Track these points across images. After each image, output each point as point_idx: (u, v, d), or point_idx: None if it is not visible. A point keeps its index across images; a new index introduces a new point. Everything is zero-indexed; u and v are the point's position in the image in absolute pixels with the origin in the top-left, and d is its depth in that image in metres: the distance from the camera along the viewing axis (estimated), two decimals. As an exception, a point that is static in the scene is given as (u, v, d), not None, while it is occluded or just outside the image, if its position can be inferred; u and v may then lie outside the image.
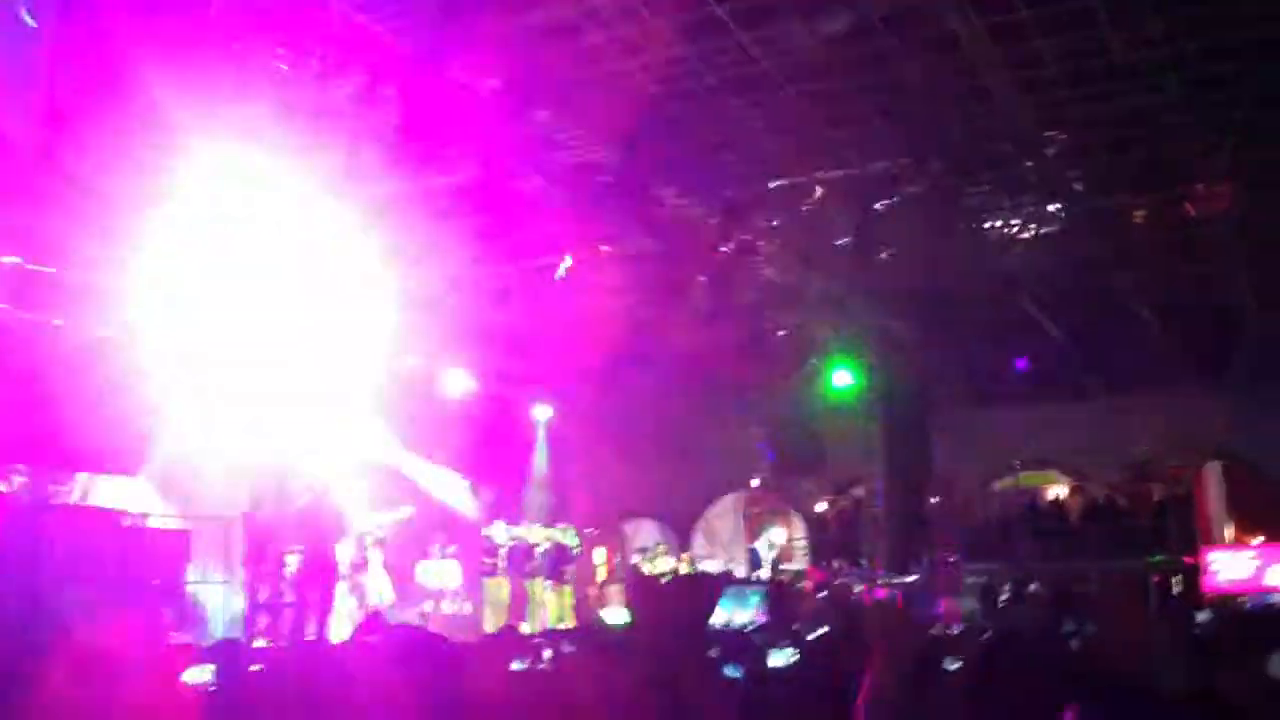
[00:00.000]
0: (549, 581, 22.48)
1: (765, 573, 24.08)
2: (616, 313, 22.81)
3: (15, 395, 10.42)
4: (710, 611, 2.25)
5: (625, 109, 14.84)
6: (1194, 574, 23.64)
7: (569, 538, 23.15)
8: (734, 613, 18.46)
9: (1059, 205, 18.81)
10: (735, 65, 14.46)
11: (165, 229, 11.81)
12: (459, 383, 22.88)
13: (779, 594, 19.75)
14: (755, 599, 19.32)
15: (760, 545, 25.21)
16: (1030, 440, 24.93)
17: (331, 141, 13.58)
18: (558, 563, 22.64)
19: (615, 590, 25.21)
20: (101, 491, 17.66)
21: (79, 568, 14.61)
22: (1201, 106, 15.39)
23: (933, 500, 24.62)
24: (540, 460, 27.11)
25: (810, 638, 16.00)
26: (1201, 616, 16.21)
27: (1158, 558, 23.60)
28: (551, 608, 22.41)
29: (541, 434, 26.70)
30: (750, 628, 18.25)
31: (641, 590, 2.29)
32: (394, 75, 12.68)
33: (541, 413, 25.91)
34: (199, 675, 5.84)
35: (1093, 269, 19.65)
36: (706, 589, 2.28)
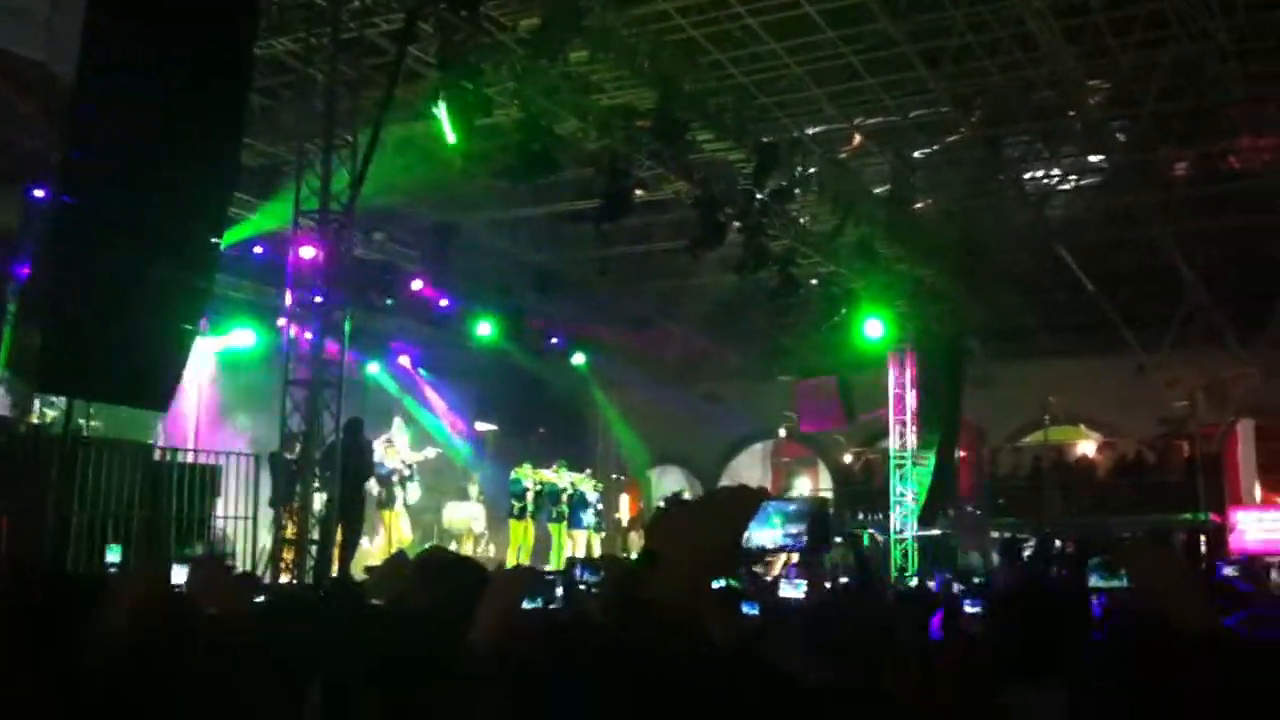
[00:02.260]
0: (574, 526, 22.51)
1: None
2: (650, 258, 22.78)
3: (51, 326, 10.40)
4: (747, 523, 2.14)
5: (662, 50, 14.67)
6: (1221, 533, 23.54)
7: (595, 483, 23.16)
8: (754, 533, 18.30)
9: (1101, 157, 18.57)
10: (775, 9, 14.26)
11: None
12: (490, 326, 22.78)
13: (817, 513, 19.44)
14: (778, 519, 19.11)
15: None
16: (1061, 395, 24.76)
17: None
18: (582, 507, 22.66)
19: (639, 535, 25.25)
20: (132, 424, 17.84)
21: (110, 501, 14.74)
22: (1249, 57, 15.12)
23: (961, 453, 24.52)
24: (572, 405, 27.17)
25: (827, 585, 15.98)
26: (1228, 570, 16.17)
27: (1186, 515, 23.48)
28: (577, 553, 22.45)
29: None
30: (771, 547, 18.07)
31: (669, 513, 2.17)
32: (432, 12, 12.54)
33: (576, 358, 25.80)
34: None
35: (1132, 222, 19.41)
36: (746, 500, 2.15)
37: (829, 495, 26.72)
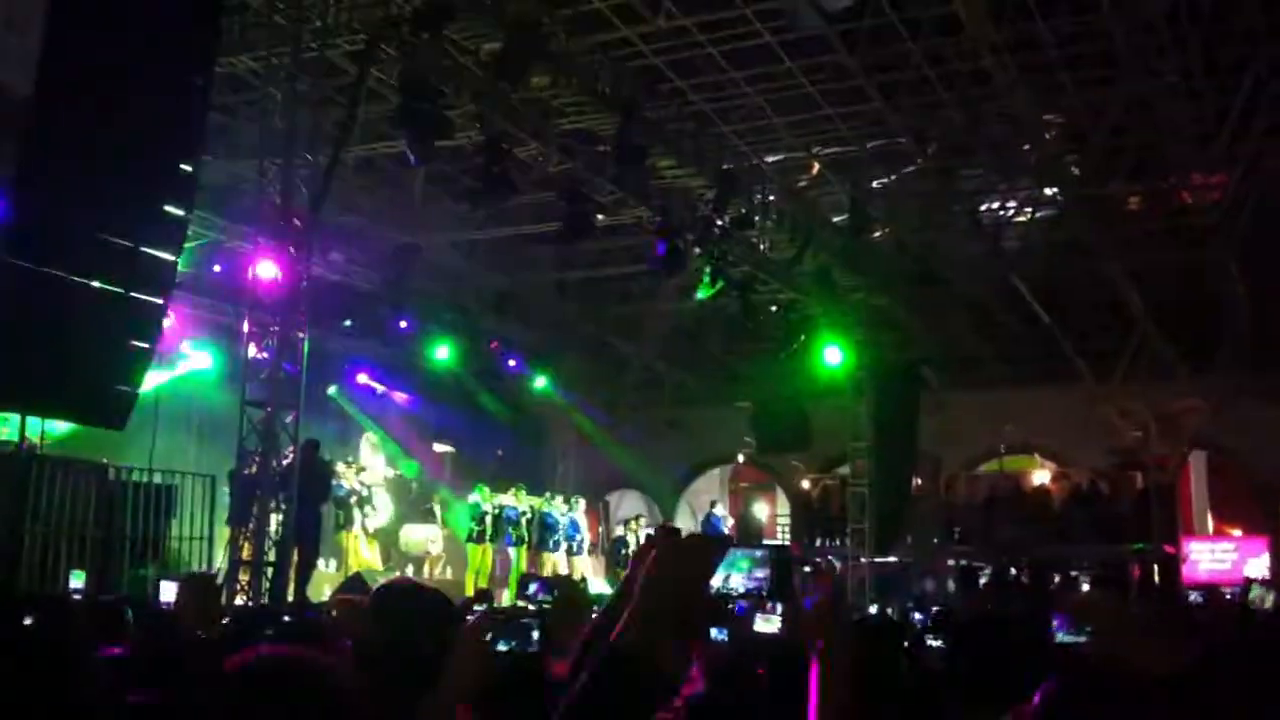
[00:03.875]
0: (542, 549, 22.48)
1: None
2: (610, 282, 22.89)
3: (3, 344, 10.36)
4: (716, 569, 2.15)
5: (623, 77, 14.82)
6: (1174, 563, 23.76)
7: (553, 506, 23.14)
8: (729, 574, 18.47)
9: (1054, 190, 18.83)
10: (736, 38, 14.44)
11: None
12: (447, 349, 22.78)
13: (780, 560, 19.68)
14: (745, 562, 19.30)
15: (718, 512, 25.30)
16: (1016, 424, 24.97)
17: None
18: (542, 531, 22.64)
19: (597, 561, 25.24)
20: (87, 443, 17.72)
21: (64, 519, 14.66)
22: (1199, 95, 15.42)
23: (917, 481, 24.69)
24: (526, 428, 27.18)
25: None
26: (1193, 596, 16.34)
27: (1139, 545, 23.70)
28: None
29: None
30: (737, 592, 18.34)
31: (651, 555, 2.18)
32: (394, 34, 12.64)
33: (538, 381, 25.81)
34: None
35: (1085, 255, 19.67)
36: (715, 547, 2.17)
37: (785, 542, 26.69)
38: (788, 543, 25.71)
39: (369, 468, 22.06)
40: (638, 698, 1.96)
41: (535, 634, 6.55)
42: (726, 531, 24.36)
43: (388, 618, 3.22)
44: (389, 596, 3.45)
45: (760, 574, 19.04)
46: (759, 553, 20.21)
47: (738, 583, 18.74)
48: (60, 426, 16.12)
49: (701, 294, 17.77)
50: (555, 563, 22.38)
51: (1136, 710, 2.44)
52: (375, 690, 2.83)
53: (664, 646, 1.99)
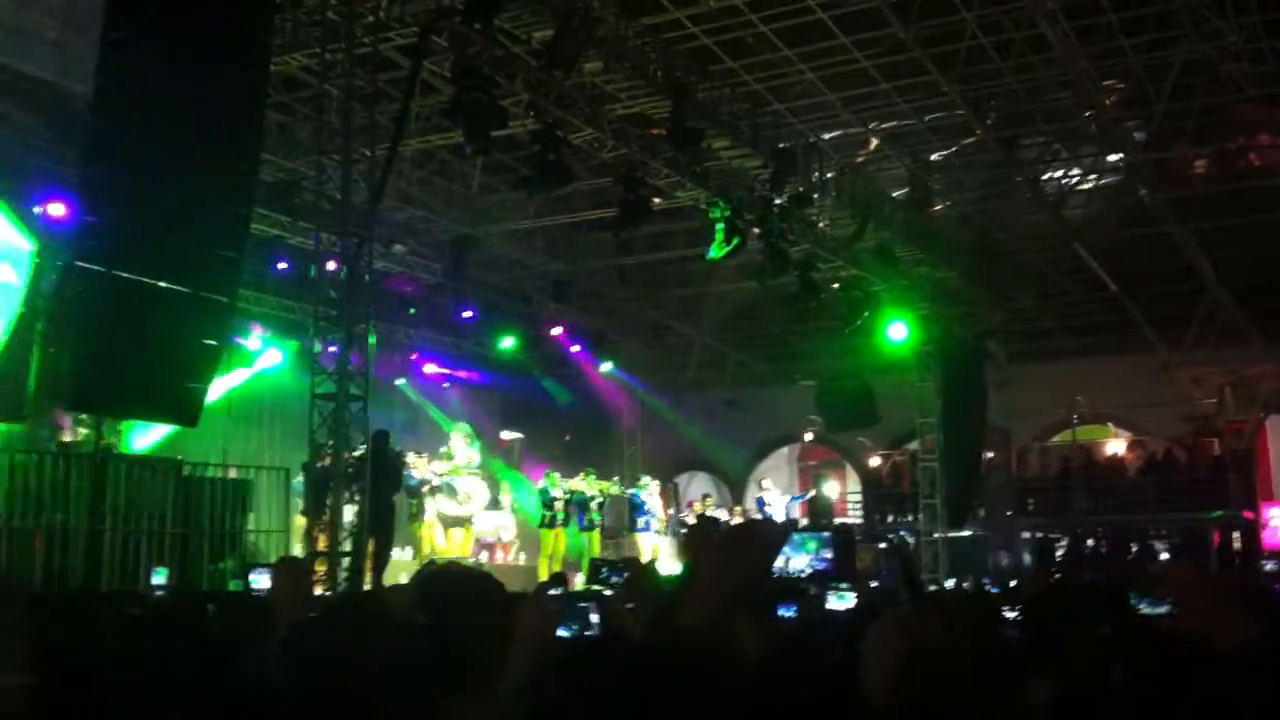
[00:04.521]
0: (623, 532, 22.64)
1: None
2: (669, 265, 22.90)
3: (79, 347, 10.60)
4: (772, 561, 2.20)
5: (676, 59, 14.79)
6: (1254, 529, 23.41)
7: (640, 487, 23.32)
8: (790, 558, 18.50)
9: (1118, 156, 18.56)
10: (787, 15, 14.37)
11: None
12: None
13: (844, 541, 19.73)
14: (812, 544, 19.34)
15: (768, 494, 25.29)
16: (1087, 395, 24.69)
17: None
18: (631, 513, 22.84)
19: (669, 543, 25.31)
20: (162, 441, 18.07)
21: (142, 516, 14.96)
22: (1262, 55, 15.11)
23: (988, 455, 24.49)
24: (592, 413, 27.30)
25: (872, 585, 16.02)
26: (1270, 565, 16.06)
27: (1217, 512, 23.36)
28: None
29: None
30: (805, 573, 18.40)
31: (698, 539, 2.24)
32: (446, 26, 12.70)
33: (603, 366, 25.90)
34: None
35: (1151, 221, 19.37)
36: (773, 536, 2.22)
37: (853, 521, 26.58)
38: (849, 523, 25.55)
39: (464, 459, 22.39)
40: (691, 674, 2.01)
41: (594, 617, 6.57)
42: (769, 512, 24.41)
43: (432, 598, 3.25)
44: (433, 580, 3.48)
45: (827, 554, 19.08)
46: (825, 534, 20.31)
47: (802, 564, 18.79)
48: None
49: (714, 253, 17.20)
50: (643, 546, 22.52)
51: (1214, 684, 2.44)
52: (413, 675, 2.85)
53: (720, 625, 2.05)
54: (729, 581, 2.10)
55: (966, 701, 2.26)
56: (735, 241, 16.77)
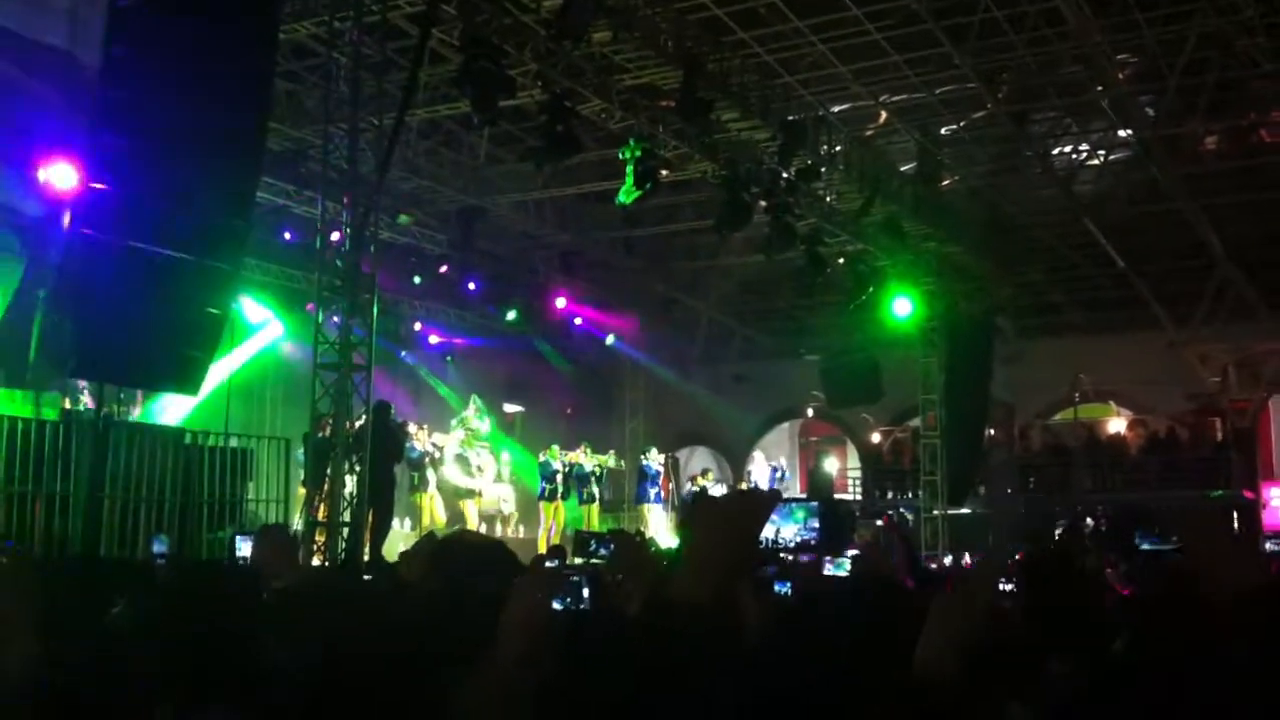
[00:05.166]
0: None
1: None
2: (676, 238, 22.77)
3: (82, 312, 10.49)
4: (762, 527, 2.24)
5: (686, 30, 14.64)
6: (1254, 509, 23.39)
7: (650, 458, 23.33)
8: (781, 527, 18.58)
9: (1129, 132, 18.42)
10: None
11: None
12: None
13: (832, 511, 19.82)
14: (802, 514, 19.40)
15: (755, 468, 25.45)
16: (1091, 372, 24.63)
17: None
18: (641, 483, 22.91)
19: (669, 516, 25.31)
20: (164, 410, 18.00)
21: (143, 484, 14.89)
22: (1276, 31, 14.96)
23: (990, 432, 24.43)
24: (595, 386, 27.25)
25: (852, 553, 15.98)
26: (1270, 545, 16.03)
27: (1218, 492, 23.33)
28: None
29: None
30: (794, 543, 18.48)
31: (701, 508, 2.27)
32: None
33: (607, 339, 25.84)
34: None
35: (1161, 197, 19.25)
36: (761, 504, 2.25)
37: (846, 497, 26.59)
38: (839, 497, 25.56)
39: (478, 429, 22.46)
40: (690, 650, 2.01)
41: (585, 591, 6.53)
42: (755, 483, 24.50)
43: (446, 565, 3.23)
44: (447, 546, 3.46)
45: (815, 524, 19.19)
46: (814, 504, 20.48)
47: (791, 533, 18.87)
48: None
49: (622, 197, 16.18)
50: (649, 517, 22.61)
51: (1223, 623, 2.40)
52: (432, 642, 2.81)
53: (716, 594, 2.06)
54: (724, 553, 2.11)
55: None
56: (648, 186, 15.69)
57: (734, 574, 2.16)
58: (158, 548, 13.98)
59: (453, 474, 21.58)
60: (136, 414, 17.55)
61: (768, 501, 2.22)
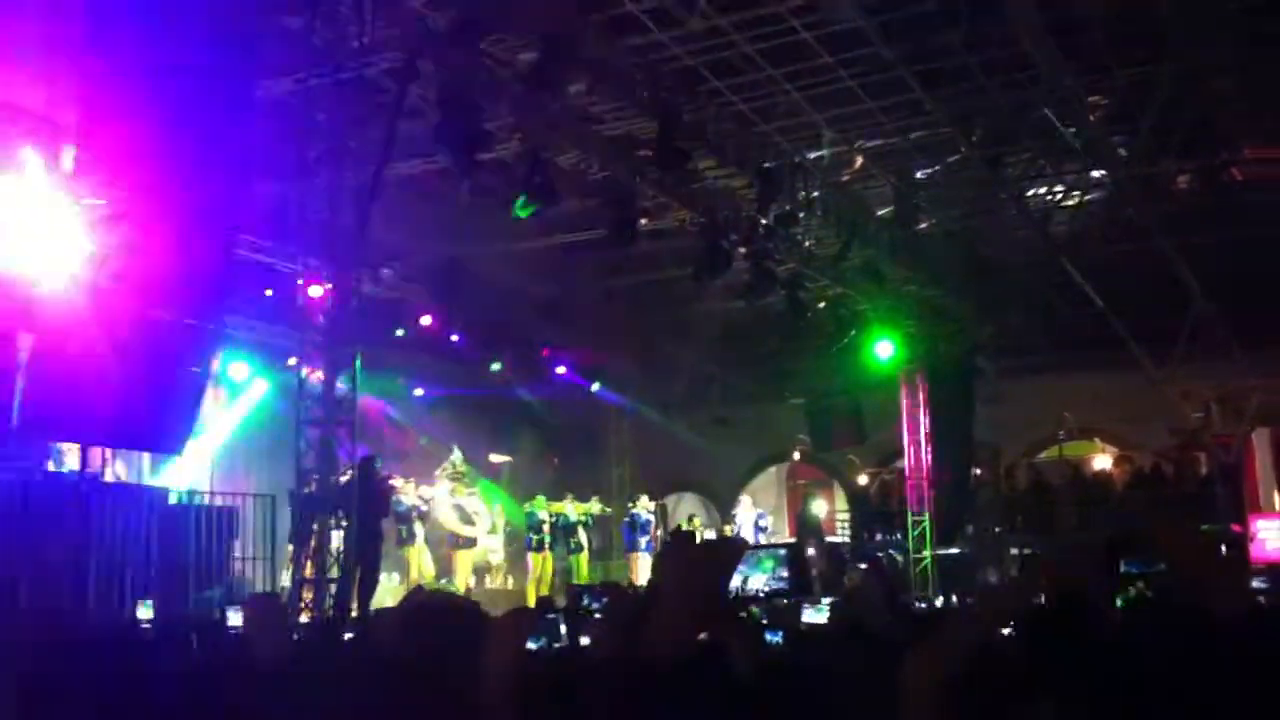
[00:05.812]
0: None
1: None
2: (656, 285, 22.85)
3: (64, 374, 10.51)
4: (731, 573, 2.29)
5: (661, 80, 14.76)
6: (1242, 542, 23.40)
7: (640, 506, 23.33)
8: (749, 576, 18.59)
9: (1102, 172, 18.58)
10: (771, 35, 14.35)
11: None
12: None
13: (798, 558, 19.84)
14: (769, 563, 19.41)
15: (741, 512, 25.50)
16: (1075, 410, 24.72)
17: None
18: (632, 533, 22.89)
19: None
20: (147, 470, 17.94)
21: (127, 546, 14.82)
22: (1249, 69, 15.15)
23: (976, 472, 24.48)
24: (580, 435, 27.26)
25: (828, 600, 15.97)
26: (1257, 583, 16.05)
27: (1205, 526, 23.35)
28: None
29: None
30: (764, 592, 18.47)
31: (675, 549, 2.32)
32: (431, 50, 12.64)
33: (592, 386, 25.89)
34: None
35: (1137, 236, 19.40)
36: (728, 551, 2.32)
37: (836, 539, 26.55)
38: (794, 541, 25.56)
39: (467, 471, 22.47)
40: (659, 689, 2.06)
41: (563, 629, 6.53)
42: (740, 528, 24.49)
43: (415, 630, 3.21)
44: (415, 610, 3.44)
45: (784, 573, 19.19)
46: (781, 552, 20.48)
47: (759, 583, 18.87)
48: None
49: (519, 211, 15.78)
50: (640, 566, 22.55)
51: (1206, 644, 2.42)
52: (404, 703, 2.83)
53: (683, 640, 2.13)
54: (691, 601, 2.17)
55: None
56: (540, 203, 14.70)
57: (701, 620, 2.19)
58: (142, 614, 13.85)
59: (450, 521, 21.50)
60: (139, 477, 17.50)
61: (734, 551, 2.27)
